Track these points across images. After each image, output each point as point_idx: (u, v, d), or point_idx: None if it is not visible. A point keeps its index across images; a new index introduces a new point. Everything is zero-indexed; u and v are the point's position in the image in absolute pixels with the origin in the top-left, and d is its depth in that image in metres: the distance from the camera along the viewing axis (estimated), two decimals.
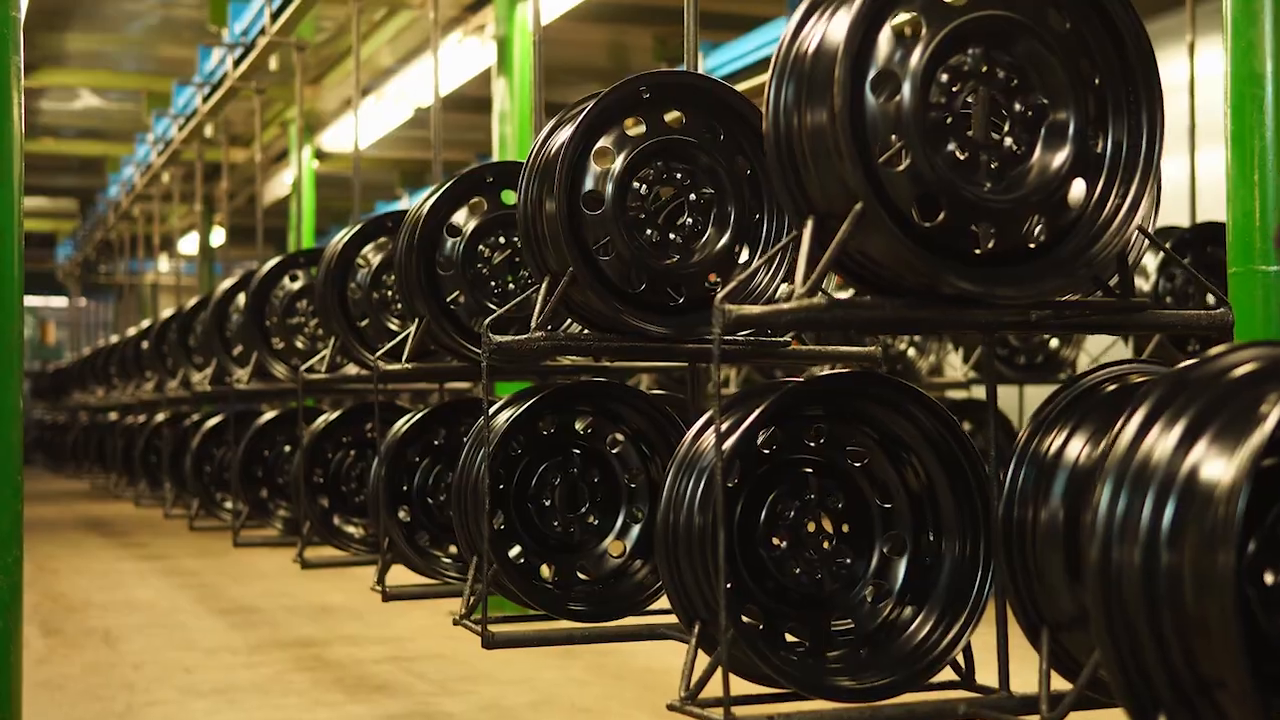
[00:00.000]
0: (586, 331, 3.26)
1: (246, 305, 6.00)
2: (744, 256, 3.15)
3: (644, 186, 3.11)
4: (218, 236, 19.05)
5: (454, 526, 3.63)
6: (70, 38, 13.61)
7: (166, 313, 10.37)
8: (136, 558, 11.42)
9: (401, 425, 4.47)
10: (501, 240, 4.07)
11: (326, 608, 8.48)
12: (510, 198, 4.09)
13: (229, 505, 7.42)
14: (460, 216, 4.06)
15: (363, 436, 5.51)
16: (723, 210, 3.13)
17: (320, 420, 5.47)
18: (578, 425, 3.57)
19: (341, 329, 4.98)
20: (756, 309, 2.21)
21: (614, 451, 3.58)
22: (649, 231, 3.11)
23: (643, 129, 3.11)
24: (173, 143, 11.97)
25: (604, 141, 3.09)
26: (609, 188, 3.05)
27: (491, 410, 3.48)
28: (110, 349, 13.65)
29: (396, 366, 4.10)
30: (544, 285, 3.13)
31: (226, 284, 7.10)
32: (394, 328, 4.99)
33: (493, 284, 4.06)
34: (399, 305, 5.03)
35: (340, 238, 5.15)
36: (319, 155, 15.76)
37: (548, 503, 3.52)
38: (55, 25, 13.06)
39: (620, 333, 3.12)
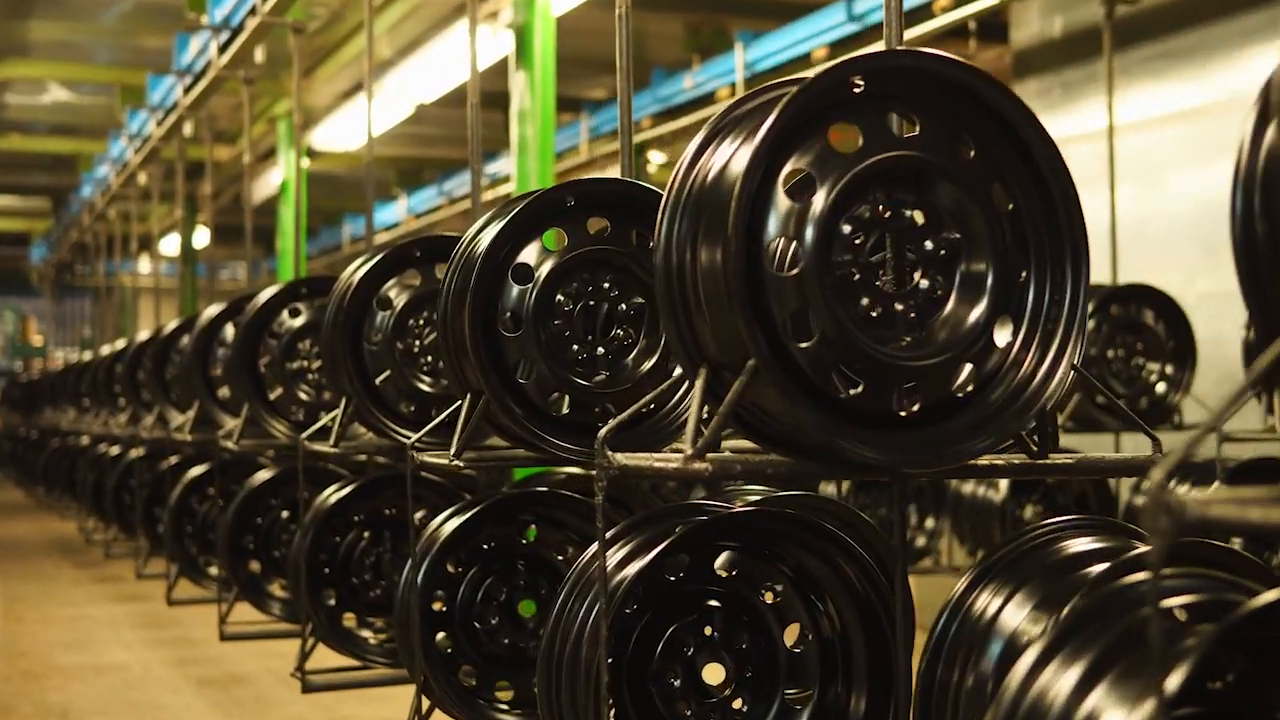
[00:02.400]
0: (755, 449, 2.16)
1: (236, 345, 4.88)
2: (1003, 337, 2.06)
3: (859, 232, 2.02)
4: (201, 237, 17.88)
5: (539, 708, 2.52)
6: (35, 26, 12.41)
7: (144, 328, 9.26)
8: (111, 598, 10.30)
9: (441, 526, 3.38)
10: (588, 287, 2.97)
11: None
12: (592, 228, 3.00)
13: (214, 571, 6.30)
14: (530, 254, 2.96)
15: (380, 515, 4.42)
16: (973, 268, 2.04)
17: (329, 495, 4.36)
18: (718, 567, 2.48)
19: (355, 389, 3.88)
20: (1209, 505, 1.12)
21: (769, 603, 2.49)
22: (864, 301, 2.01)
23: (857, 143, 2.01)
24: (150, 139, 10.79)
25: (797, 162, 1.99)
26: (808, 234, 1.95)
27: (598, 548, 2.39)
28: (82, 367, 12.45)
29: (442, 460, 2.99)
30: (700, 382, 2.03)
31: (211, 312, 5.97)
32: (425, 388, 3.90)
33: (574, 347, 2.97)
34: (430, 360, 3.94)
35: (354, 270, 4.05)
36: (309, 153, 14.60)
37: (675, 681, 2.43)
38: (19, 13, 11.86)
39: (822, 460, 2.03)
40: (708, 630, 2.44)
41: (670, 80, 10.31)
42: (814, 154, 1.98)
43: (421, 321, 3.94)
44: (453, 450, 2.93)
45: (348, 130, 13.46)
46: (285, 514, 5.32)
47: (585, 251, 2.94)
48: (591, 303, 2.97)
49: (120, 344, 10.45)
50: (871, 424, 1.98)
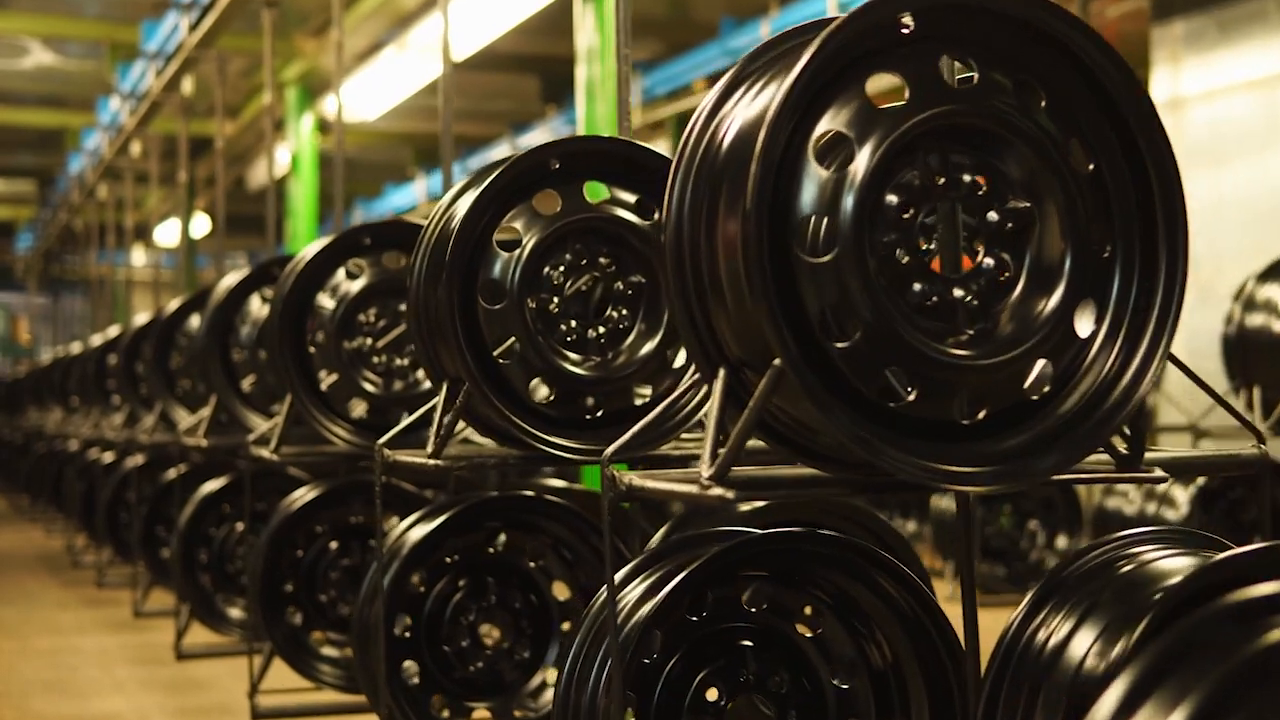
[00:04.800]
0: None
1: (272, 319, 3.56)
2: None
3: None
4: (200, 225, 16.57)
5: None
6: None
7: (141, 315, 7.94)
8: (102, 626, 9.04)
9: (627, 591, 2.10)
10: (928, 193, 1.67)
11: None
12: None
13: (236, 614, 5.00)
14: (833, 121, 1.65)
15: (482, 556, 3.12)
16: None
17: (410, 526, 3.06)
18: None
19: (467, 370, 2.57)
20: None
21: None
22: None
23: None
24: (148, 96, 9.42)
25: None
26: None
27: None
28: (69, 361, 11.08)
29: (687, 488, 1.68)
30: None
31: (229, 281, 4.65)
32: (572, 369, 2.60)
33: (922, 286, 1.67)
34: (575, 326, 2.65)
35: (454, 197, 2.76)
36: (321, 127, 13.28)
37: None
38: None
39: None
40: None
41: (742, 30, 9.00)
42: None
43: (563, 268, 2.64)
44: (708, 469, 1.62)
45: (362, 98, 12.17)
46: (334, 545, 4.02)
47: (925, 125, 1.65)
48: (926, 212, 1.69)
49: (114, 331, 9.11)
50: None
